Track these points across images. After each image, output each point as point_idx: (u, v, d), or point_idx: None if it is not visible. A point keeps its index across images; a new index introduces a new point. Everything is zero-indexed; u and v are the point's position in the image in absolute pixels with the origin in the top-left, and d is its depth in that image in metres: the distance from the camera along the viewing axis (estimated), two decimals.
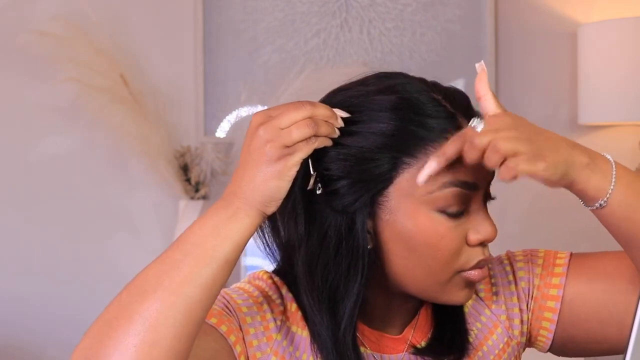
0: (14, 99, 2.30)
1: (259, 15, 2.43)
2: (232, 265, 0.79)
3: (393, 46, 2.48)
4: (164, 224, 2.33)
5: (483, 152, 0.78)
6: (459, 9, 2.50)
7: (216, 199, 0.90)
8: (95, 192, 2.34)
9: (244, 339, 0.87)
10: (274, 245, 0.92)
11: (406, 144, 0.84)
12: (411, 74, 0.92)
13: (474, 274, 0.88)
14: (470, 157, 0.79)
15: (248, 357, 0.87)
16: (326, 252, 0.85)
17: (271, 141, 0.79)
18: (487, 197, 0.89)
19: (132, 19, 2.36)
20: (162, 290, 0.75)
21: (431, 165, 0.81)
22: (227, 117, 2.39)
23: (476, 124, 0.80)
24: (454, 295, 0.89)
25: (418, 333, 0.96)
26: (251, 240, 0.90)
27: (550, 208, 2.41)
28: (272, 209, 0.81)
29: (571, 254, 0.99)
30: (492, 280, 1.00)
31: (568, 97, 2.53)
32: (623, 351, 0.89)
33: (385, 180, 0.85)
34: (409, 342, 0.95)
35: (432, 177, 0.82)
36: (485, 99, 0.85)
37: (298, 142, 0.79)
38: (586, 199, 0.83)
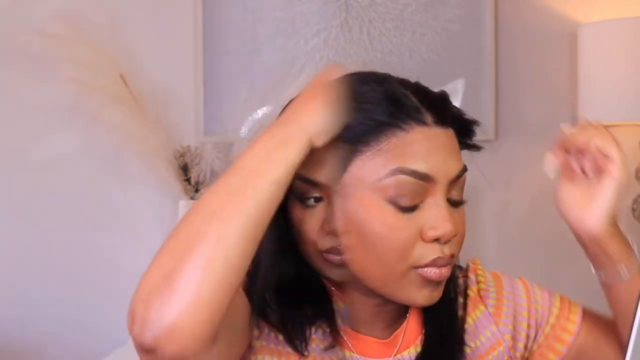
0: (14, 99, 2.30)
1: (259, 15, 2.43)
2: (284, 188, 0.80)
3: (393, 46, 2.48)
4: (163, 224, 2.33)
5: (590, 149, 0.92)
6: (459, 9, 2.49)
7: None
8: (95, 192, 2.34)
9: None
10: None
11: (361, 132, 0.85)
12: (411, 74, 0.93)
13: (430, 272, 0.86)
14: (584, 135, 0.93)
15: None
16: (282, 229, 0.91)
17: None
18: (450, 192, 0.87)
19: (132, 19, 2.36)
20: (227, 211, 0.76)
21: (550, 156, 0.93)
22: (251, 116, 2.34)
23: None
24: (412, 294, 0.87)
25: (407, 338, 0.95)
26: None
27: (550, 208, 2.39)
28: (321, 140, 0.82)
29: (583, 313, 1.03)
30: (505, 301, 1.01)
31: (568, 97, 2.53)
32: None
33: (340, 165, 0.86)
34: (396, 348, 0.94)
35: (381, 165, 0.84)
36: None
37: None
38: (606, 260, 0.90)
